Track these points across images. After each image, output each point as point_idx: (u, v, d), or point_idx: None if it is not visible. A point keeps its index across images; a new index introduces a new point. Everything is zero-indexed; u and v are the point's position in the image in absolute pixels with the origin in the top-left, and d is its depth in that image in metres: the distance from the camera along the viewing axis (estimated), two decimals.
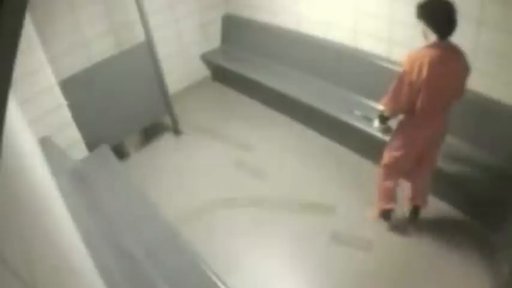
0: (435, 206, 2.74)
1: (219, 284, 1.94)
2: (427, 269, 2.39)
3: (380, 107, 2.40)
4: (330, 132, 3.41)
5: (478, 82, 2.55)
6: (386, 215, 2.66)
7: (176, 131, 3.79)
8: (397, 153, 2.38)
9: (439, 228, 2.61)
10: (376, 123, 2.48)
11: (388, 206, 2.61)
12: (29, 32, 2.45)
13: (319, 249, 2.61)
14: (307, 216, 2.83)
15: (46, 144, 2.56)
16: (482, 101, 2.54)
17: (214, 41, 4.47)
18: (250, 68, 3.92)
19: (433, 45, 2.05)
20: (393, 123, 2.44)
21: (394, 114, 2.33)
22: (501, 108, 2.47)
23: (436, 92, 2.09)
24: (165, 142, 3.75)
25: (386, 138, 2.52)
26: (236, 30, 4.31)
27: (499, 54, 2.39)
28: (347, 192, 2.94)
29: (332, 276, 2.44)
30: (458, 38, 2.56)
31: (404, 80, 2.10)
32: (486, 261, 2.36)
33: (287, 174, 3.20)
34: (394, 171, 2.48)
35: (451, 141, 2.67)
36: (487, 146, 2.54)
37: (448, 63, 2.04)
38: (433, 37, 2.04)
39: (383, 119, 2.41)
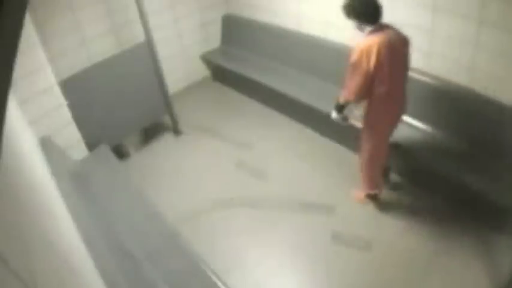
0: (435, 206, 2.74)
1: (219, 284, 1.94)
2: (426, 268, 2.39)
3: (341, 99, 2.44)
4: (329, 132, 3.41)
5: (479, 82, 2.55)
6: (372, 197, 2.80)
7: (176, 131, 3.79)
8: (376, 142, 2.51)
9: (438, 228, 2.61)
10: (334, 114, 2.52)
11: (374, 191, 2.76)
12: (29, 32, 2.44)
13: (319, 249, 2.61)
14: (307, 216, 2.83)
15: (46, 144, 2.56)
16: (484, 101, 2.54)
17: (214, 41, 4.47)
18: (250, 68, 3.92)
19: (373, 32, 2.20)
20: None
21: (357, 101, 2.42)
22: (503, 109, 2.46)
23: (393, 71, 2.23)
24: (165, 142, 3.75)
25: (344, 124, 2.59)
26: (236, 30, 4.31)
27: (501, 53, 2.39)
28: (347, 192, 2.94)
29: (332, 276, 2.44)
30: (458, 37, 2.57)
31: (363, 72, 2.20)
32: (486, 261, 2.36)
33: (287, 174, 3.20)
34: (378, 159, 2.61)
35: (452, 141, 2.68)
36: (487, 146, 2.53)
37: (393, 42, 2.20)
38: (368, 27, 2.21)
39: (340, 108, 2.47)
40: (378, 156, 2.58)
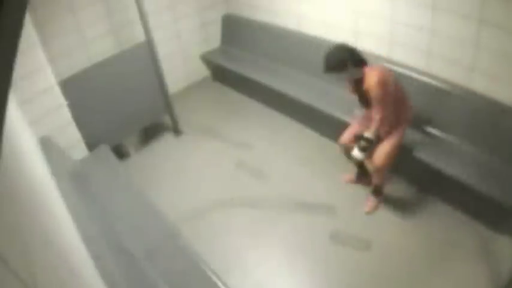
0: (435, 206, 2.74)
1: (219, 284, 1.94)
2: (426, 268, 2.39)
3: (367, 134, 2.50)
4: (329, 132, 3.41)
5: (479, 83, 2.55)
6: (382, 192, 2.82)
7: (176, 131, 3.79)
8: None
9: (438, 227, 2.61)
10: (361, 155, 2.54)
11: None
12: (29, 32, 2.44)
13: (318, 249, 2.61)
14: (306, 216, 2.83)
15: (46, 144, 2.56)
16: (484, 101, 2.54)
17: (214, 41, 4.47)
18: (250, 68, 3.91)
19: (372, 67, 2.42)
20: None
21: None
22: (502, 109, 2.46)
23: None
24: (165, 142, 3.75)
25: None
26: (236, 30, 4.31)
27: (502, 54, 2.38)
28: (346, 192, 2.94)
29: (331, 275, 2.44)
30: (457, 37, 2.57)
31: (392, 92, 2.38)
32: (486, 261, 2.36)
33: (287, 174, 3.20)
34: None
35: (453, 142, 2.68)
36: (488, 147, 2.53)
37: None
38: (360, 68, 2.40)
39: (368, 143, 2.50)
40: None
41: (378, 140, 2.53)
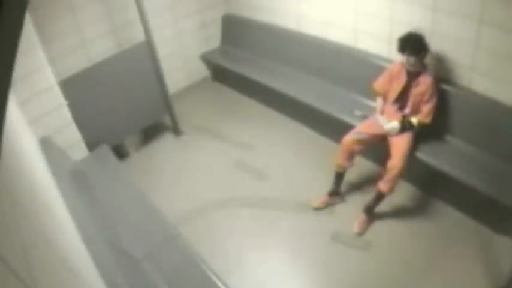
0: (435, 206, 2.74)
1: (219, 284, 1.94)
2: (426, 268, 2.40)
3: (414, 120, 2.61)
4: (329, 132, 3.41)
5: (479, 83, 2.56)
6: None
7: (176, 131, 3.79)
8: None
9: (438, 227, 2.61)
10: (396, 130, 2.60)
11: None
12: (29, 32, 2.44)
13: (319, 249, 2.61)
14: (306, 216, 2.83)
15: (46, 144, 2.56)
16: (482, 101, 2.54)
17: (214, 41, 4.47)
18: (250, 68, 3.91)
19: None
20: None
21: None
22: (502, 109, 2.46)
23: None
24: (165, 142, 3.75)
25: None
26: (236, 30, 4.31)
27: (502, 54, 2.38)
28: (346, 192, 2.93)
29: (332, 275, 2.44)
30: (458, 37, 2.57)
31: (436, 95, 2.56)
32: (486, 261, 2.36)
33: (287, 174, 3.20)
34: None
35: (453, 143, 2.68)
36: (488, 147, 2.53)
37: None
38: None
39: (410, 127, 2.59)
40: None
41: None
